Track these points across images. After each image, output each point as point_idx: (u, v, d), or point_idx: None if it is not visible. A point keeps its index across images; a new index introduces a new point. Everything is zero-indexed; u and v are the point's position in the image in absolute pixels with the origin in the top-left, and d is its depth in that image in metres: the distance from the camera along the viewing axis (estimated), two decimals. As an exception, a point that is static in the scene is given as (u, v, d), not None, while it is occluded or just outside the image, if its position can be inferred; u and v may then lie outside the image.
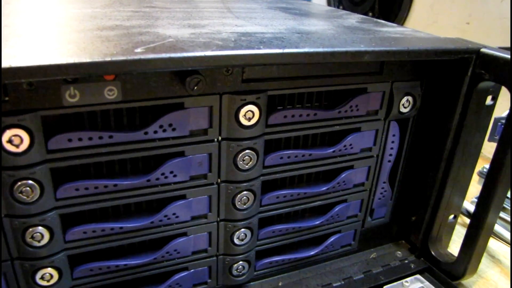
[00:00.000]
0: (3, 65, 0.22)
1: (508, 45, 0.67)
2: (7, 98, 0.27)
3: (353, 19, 0.48)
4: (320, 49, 0.30)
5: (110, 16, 0.39)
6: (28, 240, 0.30)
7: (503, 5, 0.67)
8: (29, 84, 0.27)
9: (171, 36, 0.31)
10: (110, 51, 0.26)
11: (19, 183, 0.28)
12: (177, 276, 0.37)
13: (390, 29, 0.43)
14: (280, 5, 0.55)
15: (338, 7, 0.94)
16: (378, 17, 0.87)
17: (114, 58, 0.25)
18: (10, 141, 0.27)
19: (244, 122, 0.33)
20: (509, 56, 0.35)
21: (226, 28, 0.36)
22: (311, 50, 0.30)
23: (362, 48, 0.31)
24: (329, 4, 0.97)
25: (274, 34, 0.34)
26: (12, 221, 0.30)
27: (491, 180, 0.39)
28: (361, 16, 0.50)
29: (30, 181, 0.29)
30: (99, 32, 0.32)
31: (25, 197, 0.29)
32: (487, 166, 0.56)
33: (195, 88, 0.29)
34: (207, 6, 0.49)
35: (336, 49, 0.30)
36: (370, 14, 0.87)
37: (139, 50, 0.26)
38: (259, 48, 0.28)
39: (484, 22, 0.71)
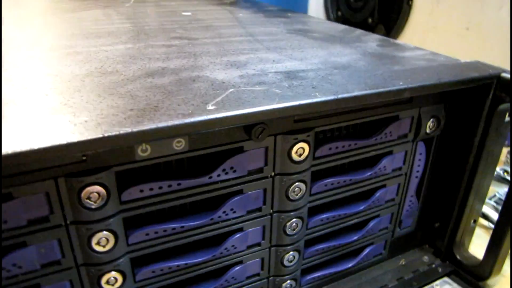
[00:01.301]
0: (90, 135, 0.24)
1: (506, 50, 0.70)
2: (84, 158, 0.29)
3: (372, 42, 0.50)
4: (369, 92, 0.32)
5: (149, 55, 0.41)
6: (103, 285, 0.32)
7: (501, 13, 0.70)
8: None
9: (225, 82, 0.34)
10: (183, 110, 0.28)
11: (96, 235, 0.30)
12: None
13: (411, 53, 0.46)
14: (296, 27, 0.57)
15: (336, 14, 0.97)
16: (377, 24, 0.89)
17: (190, 120, 0.27)
18: (88, 198, 0.29)
19: (295, 158, 0.35)
20: (529, 81, 0.39)
21: (267, 66, 0.38)
22: (361, 93, 0.32)
23: (402, 86, 0.34)
24: (326, 11, 1.00)
25: (315, 72, 0.37)
26: (88, 269, 0.32)
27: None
28: (378, 37, 0.53)
29: (105, 232, 0.31)
30: (151, 79, 0.34)
31: (101, 247, 0.31)
32: (498, 169, 0.59)
33: (260, 136, 0.31)
34: (231, 34, 0.51)
35: (381, 90, 0.33)
36: (370, 20, 0.89)
37: (211, 106, 0.28)
38: (315, 96, 0.31)
39: (483, 28, 0.74)
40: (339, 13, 0.97)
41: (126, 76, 0.35)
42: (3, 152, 0.22)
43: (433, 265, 0.50)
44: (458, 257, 0.50)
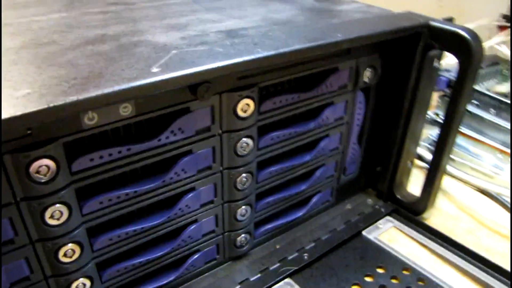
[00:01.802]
0: (36, 107, 0.24)
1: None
2: (29, 132, 0.28)
3: (308, -4, 0.51)
4: (309, 45, 0.33)
5: (86, 23, 0.40)
6: (61, 258, 0.32)
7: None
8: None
9: (167, 44, 0.33)
10: (127, 74, 0.28)
11: (49, 209, 0.30)
12: (190, 259, 0.41)
13: (347, 6, 0.47)
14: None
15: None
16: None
17: (137, 83, 0.27)
18: (37, 172, 0.29)
19: (241, 114, 0.36)
20: (453, 28, 0.41)
21: (208, 27, 0.38)
22: (301, 47, 0.33)
23: (340, 38, 0.35)
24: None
25: (256, 29, 0.37)
26: (44, 244, 0.31)
27: (444, 133, 0.45)
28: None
29: (58, 205, 0.30)
30: (92, 47, 0.33)
31: (56, 221, 0.31)
32: (431, 112, 0.64)
33: (205, 95, 0.31)
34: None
35: (321, 42, 0.34)
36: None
37: (155, 70, 0.28)
38: (258, 52, 0.31)
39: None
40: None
41: (64, 45, 0.34)
42: None
43: (376, 206, 0.54)
44: (398, 196, 0.54)
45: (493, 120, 0.58)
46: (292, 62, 0.38)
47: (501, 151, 0.58)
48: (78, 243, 0.32)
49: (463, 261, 0.47)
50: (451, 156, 0.63)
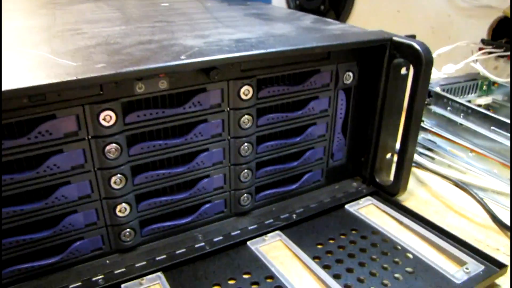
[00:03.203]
0: (109, 72, 0.40)
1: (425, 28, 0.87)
2: (101, 92, 0.44)
3: (308, 20, 0.66)
4: (289, 47, 0.48)
5: (139, 33, 0.56)
6: (112, 184, 0.48)
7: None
8: (115, 82, 0.44)
9: (193, 45, 0.49)
10: (165, 59, 0.44)
11: (108, 146, 0.46)
12: (203, 207, 0.55)
13: (334, 26, 0.62)
14: (253, 11, 0.73)
15: (295, 2, 1.13)
16: (328, 10, 1.06)
17: (169, 63, 0.43)
18: (104, 119, 0.44)
19: (243, 97, 0.51)
20: (409, 42, 0.55)
21: (224, 37, 0.54)
22: (284, 48, 0.48)
23: (314, 44, 0.50)
24: (287, 0, 1.16)
25: (257, 39, 0.52)
26: (102, 172, 0.47)
27: (406, 126, 0.58)
28: (314, 17, 0.69)
29: (114, 144, 0.46)
30: (143, 46, 0.49)
31: (111, 155, 0.46)
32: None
33: (216, 77, 0.47)
34: (200, 18, 0.67)
35: (298, 47, 0.49)
36: (322, 7, 1.06)
37: (183, 57, 0.44)
38: (251, 50, 0.47)
39: (410, 9, 0.91)
40: (297, 2, 1.13)
41: (125, 45, 0.50)
42: (58, 80, 0.38)
43: (360, 188, 0.67)
44: (377, 180, 0.66)
45: (463, 123, 0.69)
46: (282, 62, 0.53)
47: (471, 150, 0.69)
48: (124, 175, 0.48)
49: (425, 230, 0.58)
50: (432, 155, 0.75)
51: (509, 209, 0.63)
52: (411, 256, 0.53)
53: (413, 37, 0.59)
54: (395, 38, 0.56)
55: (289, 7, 1.14)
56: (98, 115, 0.44)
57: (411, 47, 0.54)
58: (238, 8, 0.75)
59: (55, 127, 0.43)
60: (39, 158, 0.44)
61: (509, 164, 0.65)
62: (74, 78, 0.38)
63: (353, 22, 1.03)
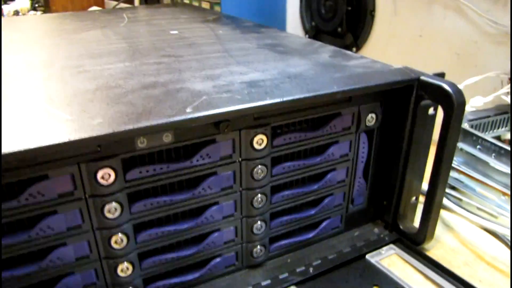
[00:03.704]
0: (106, 131, 0.35)
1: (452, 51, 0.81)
2: (99, 149, 0.40)
3: (326, 53, 0.61)
4: (307, 95, 0.44)
5: (143, 72, 0.52)
6: (113, 244, 0.43)
7: (445, 22, 0.82)
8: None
9: (201, 91, 0.45)
10: (168, 112, 0.39)
11: (107, 205, 0.42)
12: (212, 262, 0.51)
13: (355, 62, 0.57)
14: (267, 42, 0.68)
15: (311, 24, 1.08)
16: (346, 33, 1.01)
17: (174, 119, 0.38)
18: (102, 177, 0.40)
19: (257, 147, 0.46)
20: (438, 83, 0.50)
21: (235, 78, 0.49)
22: (301, 96, 0.43)
23: (335, 89, 0.45)
24: (302, 22, 1.11)
25: (271, 81, 0.48)
26: (102, 231, 0.43)
27: (435, 170, 0.53)
28: (333, 49, 0.64)
29: (114, 203, 0.42)
30: (146, 91, 0.45)
31: (111, 215, 0.42)
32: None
33: (226, 130, 0.42)
34: (210, 51, 0.62)
35: (317, 93, 0.44)
36: (339, 29, 1.01)
37: (188, 110, 0.40)
38: (266, 99, 0.42)
39: (433, 33, 0.86)
40: (313, 23, 1.08)
41: (127, 89, 0.46)
42: (49, 143, 0.34)
43: (382, 235, 0.61)
44: (401, 227, 0.61)
45: (494, 164, 0.64)
46: (298, 107, 0.48)
47: (504, 193, 0.64)
48: (126, 234, 0.43)
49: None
50: (459, 196, 0.70)
51: (548, 263, 0.57)
52: (441, 321, 0.48)
53: (442, 75, 0.54)
54: (423, 78, 0.51)
55: (304, 28, 1.09)
56: (95, 174, 0.39)
57: (441, 88, 0.49)
58: (251, 38, 0.71)
59: (48, 188, 0.38)
60: (32, 220, 0.40)
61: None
62: (66, 140, 0.34)
63: (372, 46, 0.98)
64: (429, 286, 0.54)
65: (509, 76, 0.74)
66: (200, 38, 0.71)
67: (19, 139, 0.34)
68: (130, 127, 0.37)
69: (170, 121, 0.38)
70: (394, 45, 0.94)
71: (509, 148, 0.63)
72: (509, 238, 0.60)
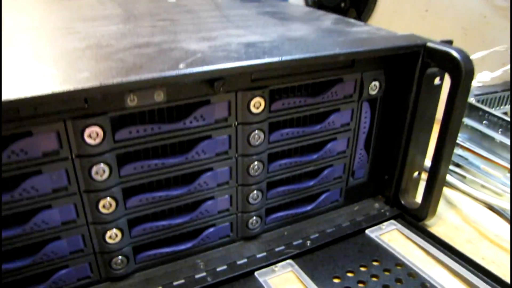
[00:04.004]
0: (92, 84, 0.33)
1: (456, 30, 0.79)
2: (86, 105, 0.37)
3: (328, 20, 0.59)
4: (307, 55, 0.41)
5: (137, 33, 0.50)
6: (101, 209, 0.41)
7: (453, -5, 0.79)
8: (103, 94, 0.37)
9: (196, 50, 0.42)
10: (160, 68, 0.37)
11: (95, 166, 0.39)
12: (206, 232, 0.49)
13: (358, 28, 0.54)
14: (267, 10, 0.65)
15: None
16: (349, 8, 0.98)
17: (167, 74, 0.36)
18: (89, 136, 0.38)
19: (253, 110, 0.44)
20: (446, 49, 0.47)
21: (233, 39, 0.47)
22: (301, 56, 0.41)
23: (337, 51, 0.43)
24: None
25: (271, 43, 0.45)
26: (89, 195, 0.41)
27: (440, 144, 0.51)
28: (335, 16, 0.61)
29: (102, 164, 0.40)
30: (138, 50, 0.43)
31: (99, 177, 0.40)
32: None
33: (221, 89, 0.40)
34: (208, 16, 0.60)
35: (318, 54, 0.42)
36: (343, 4, 0.98)
37: (182, 65, 0.37)
38: (264, 58, 0.40)
39: (439, 8, 0.83)
40: (316, -1, 1.05)
41: (118, 48, 0.44)
42: (31, 94, 0.31)
43: (382, 210, 0.59)
44: (402, 202, 0.59)
45: (501, 139, 0.62)
46: (298, 71, 0.46)
47: (510, 170, 0.61)
48: (114, 199, 0.41)
49: (456, 264, 0.51)
50: (463, 173, 0.68)
51: (554, 241, 0.55)
52: (442, 297, 0.46)
53: (449, 43, 0.51)
54: (429, 44, 0.49)
55: (307, 4, 1.06)
56: (82, 132, 0.37)
57: (448, 55, 0.47)
58: (251, 6, 0.68)
59: (31, 145, 0.36)
60: (14, 180, 0.37)
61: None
62: (50, 92, 0.32)
63: (376, 21, 0.95)
64: (431, 263, 0.52)
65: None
66: (198, 6, 0.69)
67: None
68: (119, 80, 0.34)
69: (162, 75, 0.36)
70: (399, 21, 0.91)
71: (516, 123, 0.60)
72: (513, 216, 0.58)
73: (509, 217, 0.59)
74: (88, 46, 0.44)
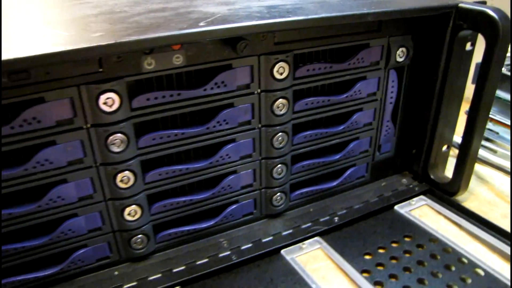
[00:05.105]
0: (107, 42, 0.31)
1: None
2: (101, 69, 0.35)
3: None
4: (334, 14, 0.38)
5: (151, 1, 0.47)
6: (118, 182, 0.39)
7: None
8: (118, 56, 0.35)
9: (215, 12, 0.40)
10: (179, 26, 0.34)
11: (111, 137, 0.37)
12: (229, 209, 0.46)
13: (384, -8, 0.51)
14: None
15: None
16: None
17: (185, 31, 0.33)
18: (105, 103, 0.36)
19: (277, 76, 0.41)
20: (481, 8, 0.44)
21: (253, 3, 0.44)
22: (328, 15, 0.38)
23: (365, 10, 0.40)
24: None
25: (293, 5, 0.43)
26: (106, 168, 0.38)
27: (472, 114, 0.48)
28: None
29: (119, 134, 0.37)
30: (154, 14, 0.40)
31: (116, 148, 0.38)
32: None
33: (244, 50, 0.37)
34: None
35: (346, 13, 0.39)
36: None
37: (202, 23, 0.35)
38: (288, 17, 0.37)
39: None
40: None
41: (132, 13, 0.41)
42: (45, 51, 0.29)
43: (411, 186, 0.57)
44: (432, 177, 0.56)
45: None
46: (324, 33, 0.43)
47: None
48: (133, 172, 0.39)
49: (494, 239, 0.48)
50: (493, 146, 0.64)
51: None
52: (482, 272, 0.43)
53: (483, 3, 0.48)
54: (462, 5, 0.46)
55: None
56: (97, 98, 0.35)
57: (484, 14, 0.44)
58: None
59: (44, 113, 0.34)
60: (27, 151, 0.35)
61: None
62: (62, 49, 0.29)
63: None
64: (466, 238, 0.49)
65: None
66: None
67: (9, 52, 0.29)
68: (135, 38, 0.32)
69: (181, 33, 0.33)
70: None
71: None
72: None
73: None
74: (101, 13, 0.42)
